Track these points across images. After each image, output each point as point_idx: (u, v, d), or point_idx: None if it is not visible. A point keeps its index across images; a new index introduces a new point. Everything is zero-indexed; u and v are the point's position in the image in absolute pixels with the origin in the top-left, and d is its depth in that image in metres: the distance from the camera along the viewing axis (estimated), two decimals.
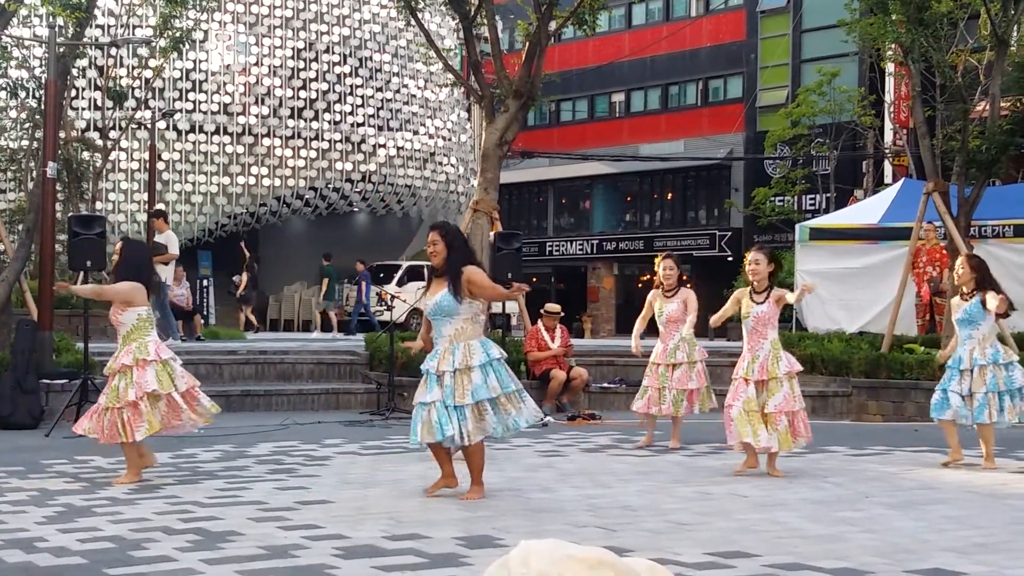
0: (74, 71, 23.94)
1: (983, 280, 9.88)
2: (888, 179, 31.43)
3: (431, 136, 35.65)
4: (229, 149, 31.83)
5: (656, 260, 11.28)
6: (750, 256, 9.44)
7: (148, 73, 27.65)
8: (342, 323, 26.11)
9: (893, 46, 19.04)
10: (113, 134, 27.69)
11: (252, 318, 25.95)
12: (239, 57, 32.59)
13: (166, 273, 17.31)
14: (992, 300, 9.60)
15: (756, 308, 9.28)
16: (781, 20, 39.06)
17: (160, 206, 28.57)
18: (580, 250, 43.78)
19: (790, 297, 9.50)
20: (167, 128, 30.69)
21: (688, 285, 11.82)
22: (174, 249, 18.02)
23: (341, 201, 33.83)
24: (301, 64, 32.88)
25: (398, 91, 34.63)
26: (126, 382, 8.52)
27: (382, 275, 29.70)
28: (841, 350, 16.09)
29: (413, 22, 18.69)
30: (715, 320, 9.67)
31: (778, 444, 9.09)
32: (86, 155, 26.47)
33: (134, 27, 28.67)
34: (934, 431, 12.11)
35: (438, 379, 7.76)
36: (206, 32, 30.78)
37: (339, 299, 27.17)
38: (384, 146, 33.95)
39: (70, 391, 12.46)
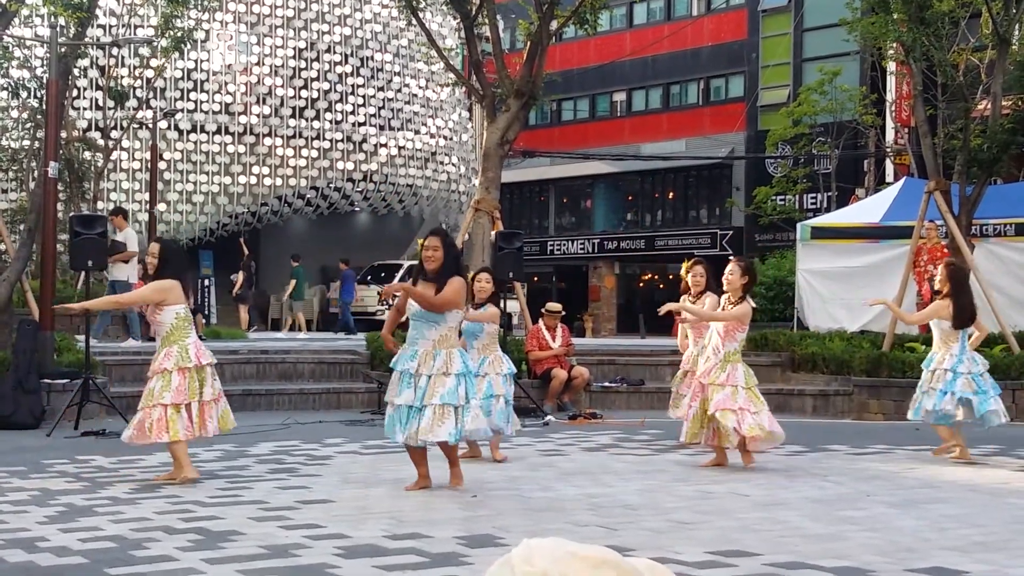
0: (76, 71, 23.96)
1: (951, 287, 10.17)
2: (889, 178, 31.40)
3: (432, 135, 35.66)
4: (231, 148, 31.85)
5: (685, 266, 11.18)
6: (729, 267, 9.62)
7: (150, 73, 27.70)
8: (343, 324, 26.13)
9: (894, 45, 19.05)
10: (115, 134, 27.72)
11: (245, 317, 25.92)
12: (240, 56, 32.62)
13: (127, 271, 17.19)
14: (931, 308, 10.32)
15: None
16: (782, 19, 39.04)
17: (161, 207, 28.62)
18: (581, 249, 43.77)
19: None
20: (168, 128, 30.72)
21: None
22: (133, 247, 17.95)
23: (343, 200, 33.85)
24: (302, 63, 32.90)
25: (399, 90, 34.65)
26: (162, 385, 8.41)
27: (383, 274, 29.74)
28: (842, 349, 16.09)
29: (414, 22, 18.71)
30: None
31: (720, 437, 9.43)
32: (88, 155, 26.50)
33: (135, 27, 28.70)
34: (935, 430, 12.13)
35: (413, 380, 7.97)
36: (207, 32, 30.82)
37: (343, 297, 27.10)
38: (385, 145, 33.97)
39: (71, 391, 12.46)
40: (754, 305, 9.65)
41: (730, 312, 9.45)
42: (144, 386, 8.63)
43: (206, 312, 23.87)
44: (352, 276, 26.72)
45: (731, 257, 10.10)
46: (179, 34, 22.19)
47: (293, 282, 25.91)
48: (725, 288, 9.59)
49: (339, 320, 25.78)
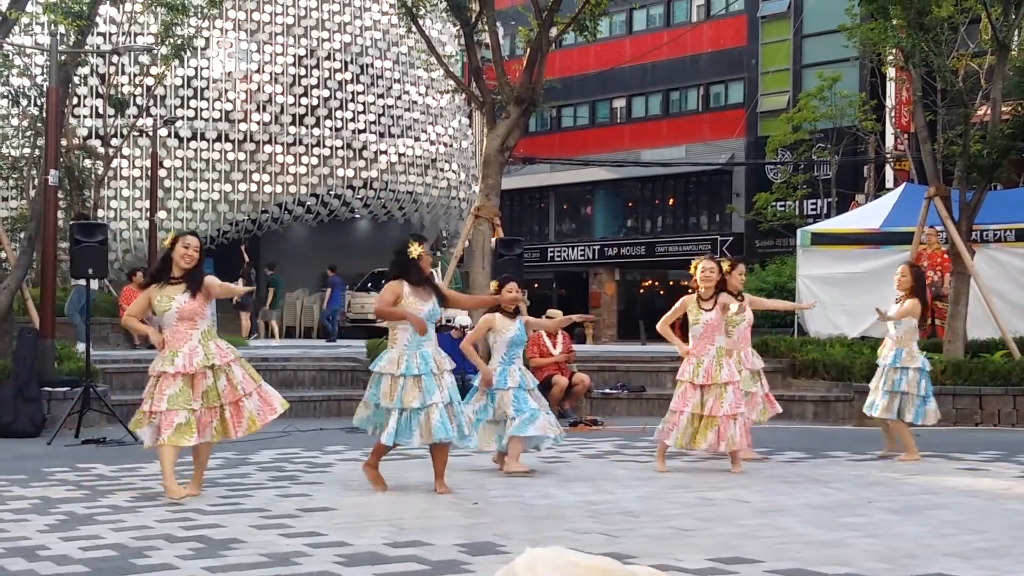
0: (76, 79, 23.99)
1: (915, 288, 10.73)
2: (889, 184, 31.39)
3: (432, 142, 35.68)
4: (231, 156, 31.87)
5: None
6: (704, 264, 9.80)
7: (150, 80, 27.71)
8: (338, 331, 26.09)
9: (894, 51, 19.03)
10: (115, 141, 27.74)
11: (247, 324, 25.90)
12: (240, 64, 32.65)
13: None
14: (898, 308, 10.64)
15: (705, 315, 9.72)
16: (782, 25, 39.08)
17: (161, 215, 28.58)
18: (581, 256, 43.79)
19: (733, 307, 9.91)
20: (169, 135, 30.74)
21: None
22: None
23: (343, 208, 33.86)
24: (302, 71, 32.93)
25: (399, 97, 34.67)
26: (228, 378, 8.15)
27: (384, 281, 29.74)
28: (843, 355, 16.09)
29: (414, 28, 18.70)
30: (662, 326, 9.96)
31: (727, 445, 9.60)
32: (88, 163, 26.51)
33: (135, 35, 28.71)
34: (936, 436, 12.14)
35: (437, 378, 8.27)
36: (207, 39, 30.83)
37: (331, 305, 26.95)
38: (385, 152, 33.99)
39: (72, 399, 12.47)
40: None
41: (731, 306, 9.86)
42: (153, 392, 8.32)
43: None
44: (340, 283, 26.72)
45: (700, 256, 10.16)
46: (179, 42, 22.20)
47: (272, 291, 25.86)
48: (703, 285, 9.73)
49: (331, 328, 25.75)
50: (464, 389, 13.51)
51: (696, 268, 9.88)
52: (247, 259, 27.12)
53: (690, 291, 9.96)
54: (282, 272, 31.81)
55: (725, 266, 10.73)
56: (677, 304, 9.87)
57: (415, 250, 8.43)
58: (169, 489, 7.99)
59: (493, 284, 9.91)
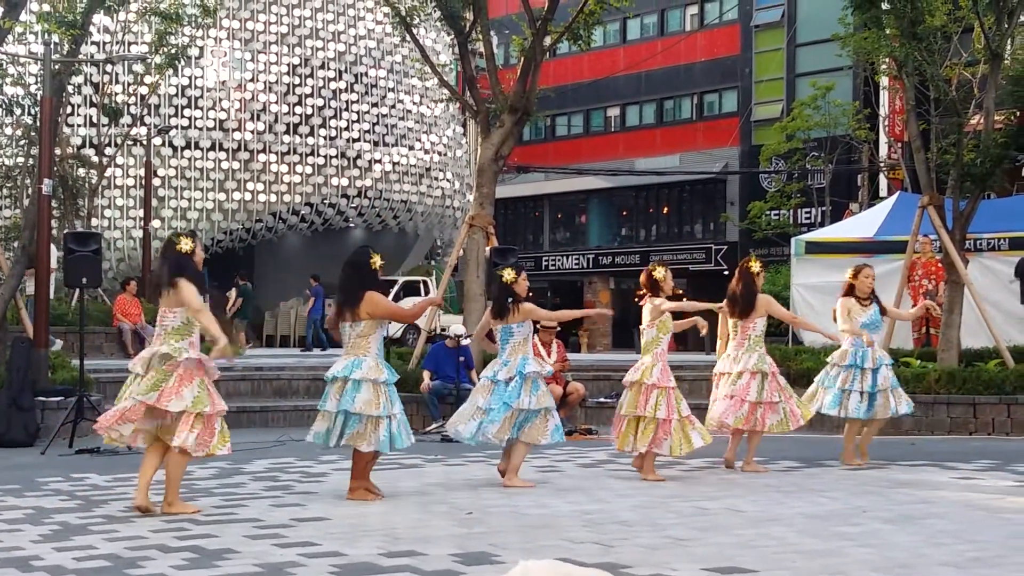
0: (69, 88, 23.93)
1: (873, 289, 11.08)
2: (883, 192, 31.47)
3: (427, 151, 35.70)
4: (225, 165, 31.86)
5: (660, 269, 11.02)
6: (668, 272, 10.37)
7: (144, 90, 27.70)
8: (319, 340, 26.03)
9: (887, 60, 19.06)
10: (109, 151, 27.69)
11: (241, 334, 25.86)
12: (235, 73, 32.65)
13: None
14: (897, 310, 11.05)
15: (672, 321, 10.05)
16: (775, 34, 39.16)
17: (155, 224, 28.53)
18: (576, 264, 43.79)
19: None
20: (163, 144, 30.74)
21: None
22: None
23: (337, 217, 33.85)
24: (296, 80, 32.94)
25: (393, 106, 34.69)
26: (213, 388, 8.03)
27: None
28: None
29: (408, 38, 18.72)
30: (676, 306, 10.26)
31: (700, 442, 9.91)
32: (82, 172, 26.48)
33: (129, 44, 28.71)
34: (930, 444, 12.15)
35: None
36: (201, 48, 30.82)
37: (312, 314, 26.75)
38: (380, 161, 34.00)
39: (66, 408, 12.45)
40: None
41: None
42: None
43: None
44: (322, 292, 26.68)
45: (655, 261, 10.37)
46: (173, 51, 22.19)
47: (240, 300, 25.69)
48: (669, 292, 10.16)
49: (318, 338, 25.71)
50: (460, 399, 13.57)
51: (667, 274, 10.01)
52: (239, 275, 27.09)
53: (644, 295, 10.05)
54: (273, 281, 31.88)
55: (756, 267, 10.79)
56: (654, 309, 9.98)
57: (377, 261, 8.61)
58: (174, 504, 7.78)
59: (511, 273, 9.82)
